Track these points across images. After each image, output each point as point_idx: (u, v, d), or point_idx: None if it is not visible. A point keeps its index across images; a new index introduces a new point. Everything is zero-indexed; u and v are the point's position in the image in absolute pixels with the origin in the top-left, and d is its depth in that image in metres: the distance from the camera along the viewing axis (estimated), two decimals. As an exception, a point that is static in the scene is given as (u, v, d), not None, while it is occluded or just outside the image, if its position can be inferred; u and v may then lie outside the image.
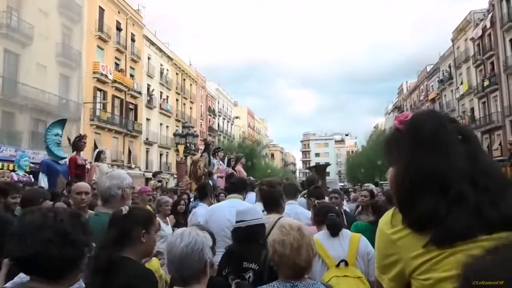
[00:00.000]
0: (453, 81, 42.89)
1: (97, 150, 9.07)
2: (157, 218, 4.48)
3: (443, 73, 45.94)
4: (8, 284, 1.87)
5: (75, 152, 7.99)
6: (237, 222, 2.83)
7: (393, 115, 71.35)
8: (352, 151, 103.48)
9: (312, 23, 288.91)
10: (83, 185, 3.65)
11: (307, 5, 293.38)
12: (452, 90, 43.44)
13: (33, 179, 7.55)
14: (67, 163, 7.77)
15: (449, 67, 44.21)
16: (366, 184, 9.00)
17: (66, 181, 6.68)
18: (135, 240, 2.11)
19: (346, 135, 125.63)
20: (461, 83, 40.36)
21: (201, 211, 4.32)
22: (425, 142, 1.11)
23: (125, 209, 2.19)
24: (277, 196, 3.58)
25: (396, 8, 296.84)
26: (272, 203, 3.49)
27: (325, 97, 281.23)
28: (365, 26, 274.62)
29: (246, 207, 3.09)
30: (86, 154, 10.91)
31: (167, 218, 4.53)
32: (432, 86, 50.23)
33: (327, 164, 9.79)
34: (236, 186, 4.14)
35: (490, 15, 33.67)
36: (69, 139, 8.80)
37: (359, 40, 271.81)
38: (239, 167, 13.01)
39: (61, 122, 8.50)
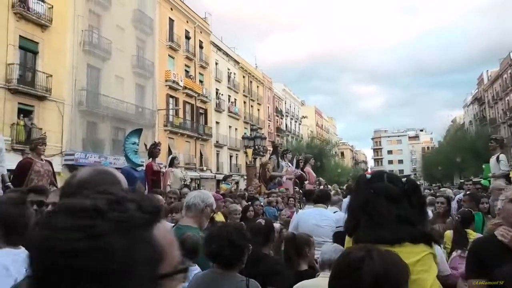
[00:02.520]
0: (543, 68, 38.91)
1: (170, 156, 9.53)
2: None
3: (530, 60, 41.85)
4: (196, 271, 2.62)
5: (150, 159, 8.46)
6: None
7: (473, 108, 66.45)
8: (428, 148, 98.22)
9: (377, 14, 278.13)
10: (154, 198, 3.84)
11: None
12: (541, 78, 39.44)
13: (114, 186, 8.08)
14: (144, 169, 8.24)
15: (537, 52, 40.18)
16: (442, 189, 8.48)
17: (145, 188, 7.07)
18: (268, 243, 3.40)
19: (421, 130, 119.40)
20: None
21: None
22: (353, 190, 2.15)
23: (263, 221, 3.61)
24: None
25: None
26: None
27: (395, 91, 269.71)
28: (435, 14, 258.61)
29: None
30: (161, 158, 11.50)
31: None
32: (517, 74, 45.99)
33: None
34: (320, 198, 5.29)
35: None
36: (145, 145, 9.34)
37: (429, 29, 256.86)
38: (308, 168, 12.93)
39: (138, 131, 9.03)
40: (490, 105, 56.38)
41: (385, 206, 1.77)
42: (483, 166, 11.91)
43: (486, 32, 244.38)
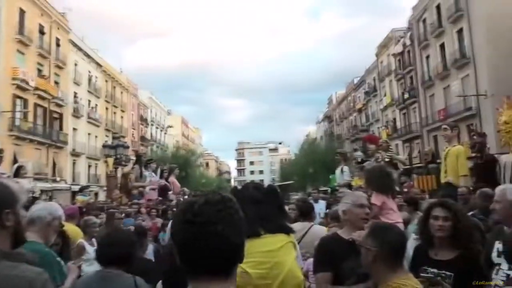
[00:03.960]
0: (377, 93, 45.68)
1: (16, 165, 8.44)
2: (82, 241, 4.26)
3: (368, 86, 48.77)
4: None
5: (-10, 168, 7.37)
6: None
7: (324, 124, 74.29)
8: (286, 159, 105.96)
9: (246, 30, 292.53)
10: None
11: (242, 13, 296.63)
12: (376, 102, 46.22)
13: None
14: (-19, 180, 7.14)
15: (374, 80, 47.04)
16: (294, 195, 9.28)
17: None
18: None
19: (280, 143, 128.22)
20: (385, 95, 43.13)
21: None
22: None
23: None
24: (309, 208, 4.75)
25: (326, 22, 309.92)
26: (306, 213, 4.58)
27: (260, 106, 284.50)
28: (297, 38, 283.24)
29: None
30: (5, 167, 10.08)
31: (93, 240, 4.30)
32: (359, 97, 53.06)
33: (290, 183, 10.31)
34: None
35: (409, 34, 36.43)
36: (-17, 153, 8.08)
37: (292, 51, 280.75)
38: (172, 178, 12.76)
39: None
40: (337, 122, 63.85)
41: (249, 208, 2.05)
42: (330, 177, 13.39)
43: (339, 58, 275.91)
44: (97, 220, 4.90)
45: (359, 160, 11.19)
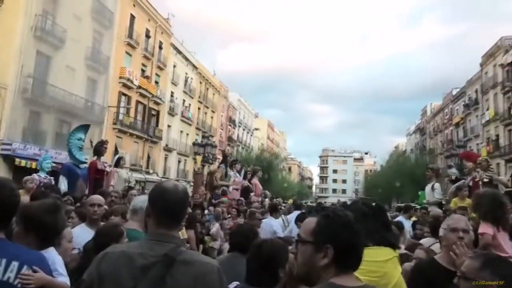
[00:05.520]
0: (479, 106, 42.05)
1: (117, 156, 9.26)
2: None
3: (469, 98, 45.14)
4: None
5: (95, 157, 8.16)
6: None
7: (415, 137, 70.31)
8: (371, 170, 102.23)
9: (338, 37, 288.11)
10: (96, 197, 3.75)
11: (336, 18, 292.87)
12: (477, 116, 42.59)
13: (53, 181, 7.71)
14: (88, 167, 7.93)
15: (476, 92, 43.41)
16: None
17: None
18: None
19: (366, 153, 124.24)
20: (487, 109, 39.55)
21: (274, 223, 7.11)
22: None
23: None
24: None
25: (425, 28, 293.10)
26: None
27: (347, 113, 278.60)
28: (395, 45, 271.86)
29: None
30: (107, 157, 11.12)
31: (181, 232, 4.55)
32: (457, 110, 49.39)
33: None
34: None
35: (520, 42, 32.98)
36: (91, 142, 8.99)
37: (385, 58, 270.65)
38: (255, 180, 13.03)
39: (85, 127, 8.72)
40: (430, 136, 59.97)
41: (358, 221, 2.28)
42: (419, 193, 12.61)
43: (436, 67, 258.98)
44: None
45: (454, 178, 10.39)
